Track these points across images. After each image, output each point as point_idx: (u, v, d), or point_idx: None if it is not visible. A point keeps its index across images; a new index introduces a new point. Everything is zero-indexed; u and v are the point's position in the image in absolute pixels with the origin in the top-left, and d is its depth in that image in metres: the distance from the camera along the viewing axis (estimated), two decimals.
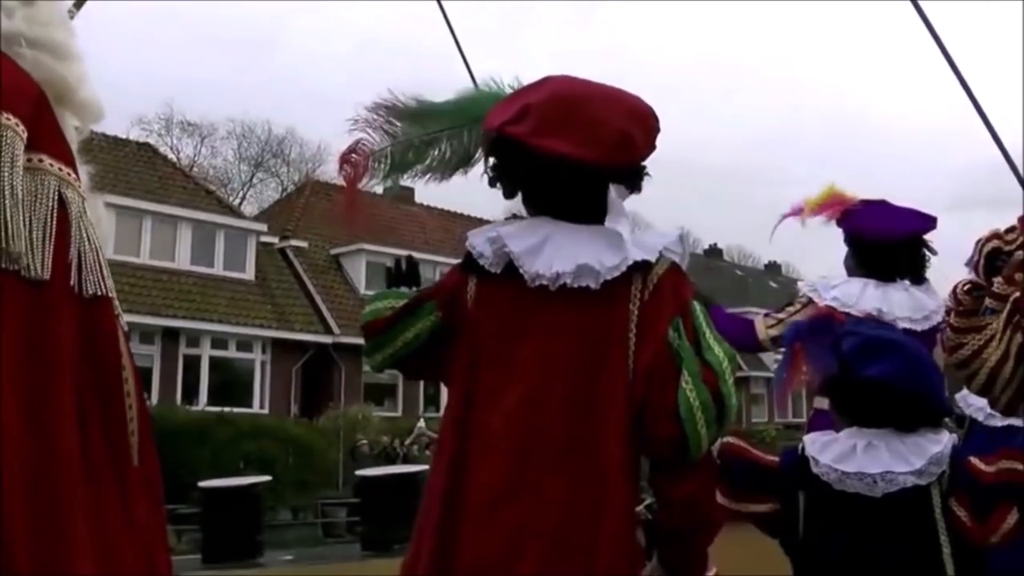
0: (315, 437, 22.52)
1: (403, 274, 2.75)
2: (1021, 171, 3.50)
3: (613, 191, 2.36)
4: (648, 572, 2.44)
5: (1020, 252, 2.42)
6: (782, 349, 4.10)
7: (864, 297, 3.84)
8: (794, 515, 2.73)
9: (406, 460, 20.41)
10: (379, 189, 33.38)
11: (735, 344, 4.26)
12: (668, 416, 2.21)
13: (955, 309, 2.50)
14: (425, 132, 2.58)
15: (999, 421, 3.46)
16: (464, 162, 2.59)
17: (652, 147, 2.43)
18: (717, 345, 2.29)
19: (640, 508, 2.36)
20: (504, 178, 2.46)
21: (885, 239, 4.02)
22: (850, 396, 2.77)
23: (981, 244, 2.57)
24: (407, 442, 22.47)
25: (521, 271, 2.32)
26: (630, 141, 2.33)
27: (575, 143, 2.28)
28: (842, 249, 4.21)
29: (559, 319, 2.31)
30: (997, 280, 2.40)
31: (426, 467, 4.53)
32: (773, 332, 4.09)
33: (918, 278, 4.03)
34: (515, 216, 2.45)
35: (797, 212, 4.34)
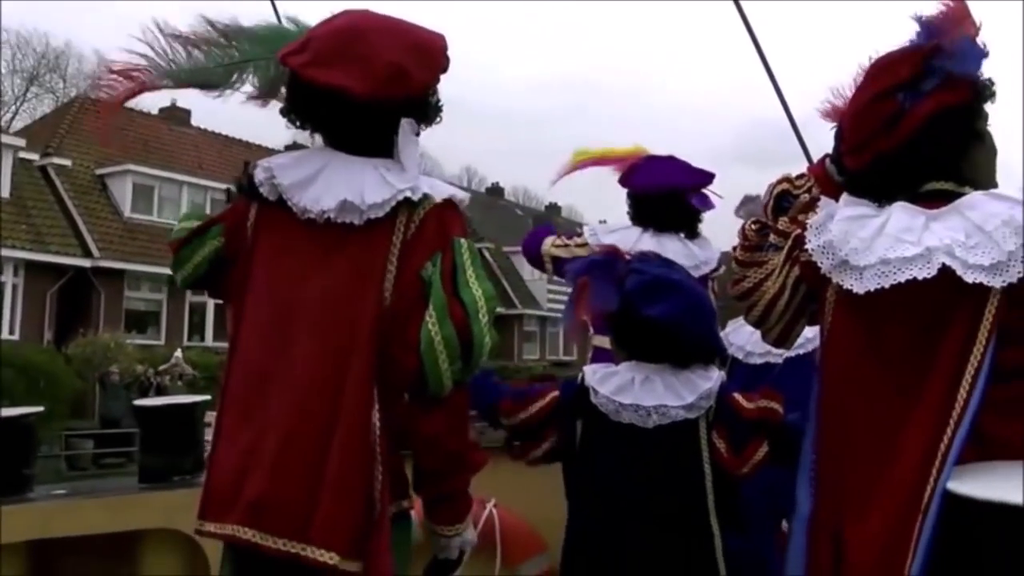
0: (58, 365, 21.41)
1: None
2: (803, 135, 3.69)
3: (405, 125, 2.36)
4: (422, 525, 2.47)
5: (806, 195, 2.55)
6: (556, 275, 4.31)
7: (639, 244, 3.99)
8: (572, 442, 2.81)
9: (159, 391, 19.77)
10: (154, 110, 31.82)
11: (525, 249, 4.46)
12: (409, 350, 2.21)
13: (741, 244, 2.61)
14: (229, 57, 2.50)
15: (757, 359, 3.67)
16: (271, 93, 2.52)
17: (433, 81, 2.42)
18: (477, 283, 2.29)
19: None
20: (293, 110, 2.45)
21: (648, 193, 4.24)
22: (631, 333, 2.86)
23: (772, 186, 2.70)
24: (160, 369, 21.82)
25: (290, 204, 2.32)
26: (402, 74, 2.32)
27: (346, 75, 2.28)
28: (622, 195, 4.40)
29: (322, 253, 2.31)
30: (783, 219, 2.53)
31: (207, 397, 4.40)
32: (555, 251, 4.29)
33: (693, 231, 4.27)
34: (296, 145, 2.42)
35: (584, 165, 4.51)
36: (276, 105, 2.51)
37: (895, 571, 1.93)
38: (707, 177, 4.24)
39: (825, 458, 2.23)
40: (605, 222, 4.49)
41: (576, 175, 4.56)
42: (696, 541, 2.71)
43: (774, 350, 3.45)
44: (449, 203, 2.35)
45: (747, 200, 3.77)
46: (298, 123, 2.44)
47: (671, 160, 4.31)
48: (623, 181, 4.33)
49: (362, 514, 2.19)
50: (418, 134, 2.42)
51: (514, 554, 3.54)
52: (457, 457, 2.35)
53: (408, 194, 2.29)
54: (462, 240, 2.33)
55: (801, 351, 3.39)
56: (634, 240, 4.06)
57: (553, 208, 52.17)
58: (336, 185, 2.30)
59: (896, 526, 1.97)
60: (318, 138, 2.47)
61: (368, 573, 2.18)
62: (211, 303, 27.14)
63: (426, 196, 2.31)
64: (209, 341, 27.54)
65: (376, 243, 2.29)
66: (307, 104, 2.40)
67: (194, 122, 33.17)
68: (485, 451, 2.52)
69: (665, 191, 4.18)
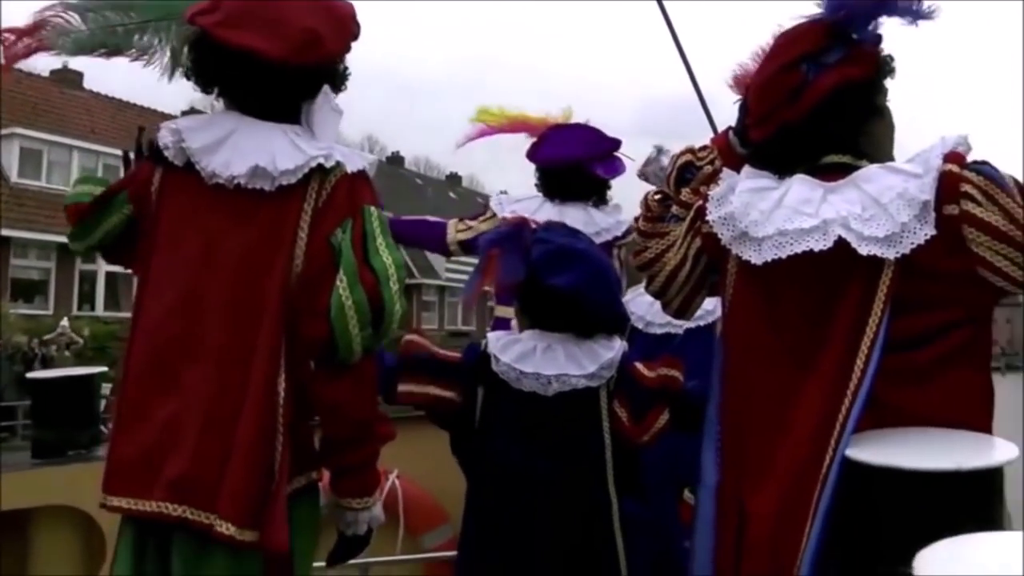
0: None
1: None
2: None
3: (326, 93, 2.36)
4: (327, 501, 2.45)
5: (709, 167, 2.57)
6: (469, 256, 4.27)
7: (540, 212, 4.00)
8: (471, 409, 2.81)
9: (44, 362, 19.16)
10: (45, 72, 30.44)
11: (425, 244, 4.40)
12: (319, 316, 2.21)
13: (644, 215, 2.62)
14: (129, 19, 2.42)
15: (658, 329, 3.71)
16: (172, 55, 2.45)
17: (345, 48, 2.41)
18: (387, 251, 2.29)
19: None
20: (198, 72, 2.40)
21: (552, 165, 4.24)
22: (535, 301, 2.86)
23: (676, 157, 2.72)
24: (45, 338, 21.14)
25: (198, 168, 2.28)
26: (316, 39, 2.31)
27: (259, 37, 2.25)
28: (526, 166, 4.40)
29: (231, 219, 2.28)
30: (685, 190, 2.55)
31: (104, 369, 4.29)
32: (462, 236, 4.29)
33: (601, 199, 4.27)
34: (193, 110, 2.36)
35: (489, 132, 4.48)
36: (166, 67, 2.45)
37: (792, 539, 1.97)
38: (613, 144, 4.24)
39: (728, 428, 2.27)
40: (506, 192, 4.48)
41: (482, 141, 4.53)
42: (594, 510, 2.73)
43: (675, 320, 3.48)
44: (361, 172, 2.34)
45: (650, 160, 3.81)
46: (203, 85, 2.39)
47: (578, 129, 4.31)
48: (530, 154, 4.31)
49: (262, 485, 2.18)
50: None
51: (417, 525, 3.55)
52: (365, 426, 2.35)
53: (321, 161, 2.27)
54: (372, 208, 2.33)
55: (702, 322, 3.42)
56: (535, 209, 4.07)
57: (454, 178, 52.03)
58: (246, 150, 2.26)
59: (792, 494, 2.02)
60: (219, 103, 2.41)
61: (264, 543, 2.17)
62: (102, 271, 26.41)
63: (339, 164, 2.30)
64: (100, 310, 26.82)
65: (287, 210, 2.26)
66: (216, 66, 2.36)
67: (86, 85, 32.06)
68: (392, 422, 2.50)
69: (569, 163, 4.18)
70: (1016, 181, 1.99)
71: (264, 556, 2.19)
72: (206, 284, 2.25)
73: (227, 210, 2.27)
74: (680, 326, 3.55)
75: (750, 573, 2.11)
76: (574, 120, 4.39)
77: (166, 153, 2.32)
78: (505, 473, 2.74)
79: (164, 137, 2.33)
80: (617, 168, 4.24)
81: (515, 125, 4.44)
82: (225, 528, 2.13)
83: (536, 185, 4.32)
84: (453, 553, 3.48)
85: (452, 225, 4.35)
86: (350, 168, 2.31)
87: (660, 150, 3.77)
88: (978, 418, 2.05)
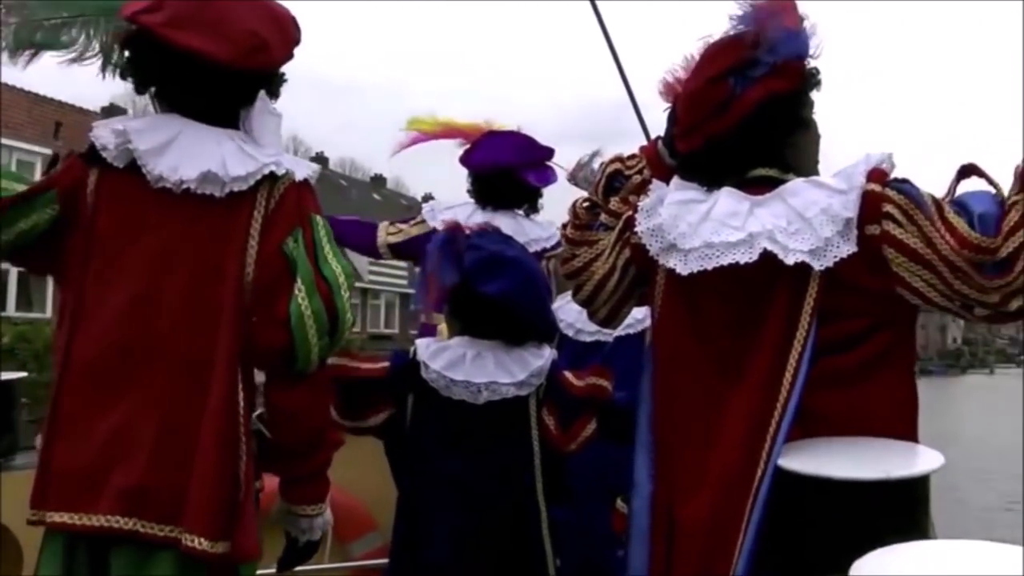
0: None
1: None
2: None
3: (264, 98, 2.34)
4: (277, 507, 2.43)
5: (638, 176, 2.59)
6: (398, 259, 4.34)
7: (472, 220, 3.99)
8: (402, 416, 2.79)
9: None
10: None
11: (355, 245, 4.37)
12: (278, 325, 2.20)
13: (572, 222, 2.62)
14: (58, 14, 2.35)
15: (587, 337, 3.72)
16: (106, 52, 2.39)
17: (288, 55, 2.39)
18: (335, 260, 2.30)
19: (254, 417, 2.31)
20: (136, 71, 2.35)
21: (484, 171, 4.23)
22: (466, 308, 2.86)
23: (605, 166, 2.72)
24: None
25: (144, 171, 2.22)
26: (262, 44, 2.29)
27: (205, 39, 2.22)
28: (453, 168, 4.39)
29: (180, 224, 2.23)
30: (614, 199, 2.55)
31: (24, 374, 4.14)
32: (392, 239, 4.27)
33: (533, 207, 4.27)
34: (113, 107, 2.31)
35: (423, 138, 4.45)
36: (93, 64, 2.40)
37: (724, 549, 1.99)
38: (545, 152, 4.23)
39: (659, 438, 2.28)
40: (431, 196, 4.45)
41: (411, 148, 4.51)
42: (523, 517, 2.73)
43: (604, 328, 3.51)
44: (305, 181, 2.33)
45: (582, 165, 3.82)
46: (139, 85, 2.34)
47: (511, 136, 4.29)
48: (463, 159, 4.30)
49: (230, 494, 2.16)
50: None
51: (345, 533, 3.52)
52: (320, 434, 2.36)
53: (273, 168, 2.25)
54: (318, 217, 2.32)
55: (632, 330, 3.44)
56: (467, 216, 4.05)
57: (378, 179, 51.72)
58: (194, 154, 2.22)
59: (724, 504, 2.04)
60: (143, 101, 2.36)
61: (236, 553, 2.16)
62: (14, 271, 25.66)
63: (287, 172, 2.28)
64: (11, 311, 26.11)
65: (237, 216, 2.23)
66: (156, 66, 2.30)
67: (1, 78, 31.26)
68: (341, 429, 2.53)
69: (501, 169, 4.17)
70: (935, 200, 2.02)
71: (210, 566, 2.15)
72: (157, 290, 2.20)
73: (176, 215, 2.22)
74: (610, 334, 3.56)
75: None
76: (505, 127, 4.38)
77: (105, 154, 2.24)
78: (435, 480, 2.73)
79: (104, 137, 2.25)
80: (549, 177, 4.23)
81: (448, 131, 4.43)
82: (196, 542, 2.10)
83: (468, 191, 4.31)
84: (382, 561, 3.47)
85: (383, 228, 4.34)
86: (298, 176, 2.30)
87: (595, 155, 3.79)
88: (903, 422, 2.10)
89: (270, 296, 2.21)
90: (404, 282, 47.89)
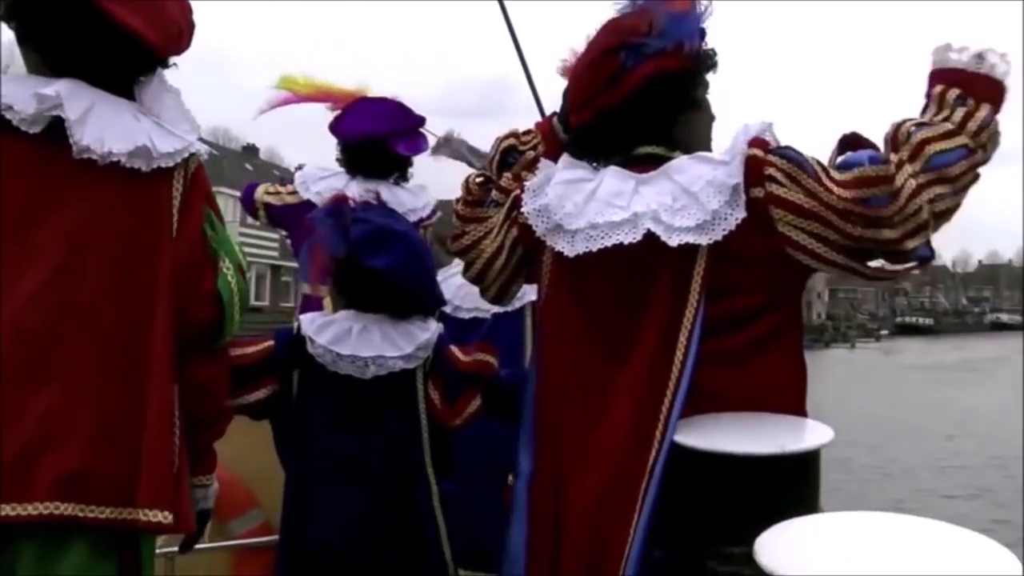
0: None
1: None
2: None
3: (164, 77, 2.30)
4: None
5: (531, 152, 2.56)
6: (267, 222, 4.30)
7: (348, 190, 3.92)
8: (287, 393, 2.75)
9: None
10: None
11: (242, 197, 4.30)
12: (208, 301, 2.22)
13: (464, 198, 2.59)
14: None
15: (465, 314, 3.70)
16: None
17: (187, 47, 2.35)
18: (230, 239, 2.34)
19: None
20: (39, 27, 2.19)
21: (353, 140, 4.17)
22: (353, 282, 2.81)
23: (499, 141, 2.70)
24: None
25: (71, 141, 2.09)
26: (180, 34, 2.28)
27: (146, 23, 2.16)
28: (327, 139, 4.32)
29: (102, 198, 2.13)
30: (506, 175, 2.53)
31: None
32: (267, 199, 4.24)
33: (403, 177, 4.23)
34: None
35: (293, 100, 4.33)
36: None
37: (617, 529, 1.99)
38: (417, 121, 4.17)
39: (543, 418, 2.27)
40: (303, 166, 4.35)
41: (283, 112, 4.37)
42: (412, 491, 2.72)
43: (482, 304, 3.47)
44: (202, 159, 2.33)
45: (443, 141, 3.77)
46: (34, 45, 2.20)
47: (383, 103, 4.22)
48: (332, 127, 4.22)
49: (174, 469, 2.17)
50: None
51: (224, 510, 3.43)
52: (224, 405, 2.41)
53: (194, 148, 2.25)
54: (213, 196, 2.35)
55: (510, 307, 3.44)
56: (342, 187, 3.97)
57: (251, 149, 50.81)
58: (115, 126, 2.14)
59: (615, 484, 2.04)
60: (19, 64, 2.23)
61: (178, 524, 2.16)
62: None
63: (198, 150, 2.28)
64: None
65: (160, 193, 2.20)
66: (76, 31, 2.16)
67: None
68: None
69: (371, 138, 4.11)
70: (819, 162, 2.05)
71: (120, 551, 2.13)
72: (79, 266, 2.10)
73: (99, 189, 2.13)
74: (488, 311, 3.56)
75: (571, 563, 2.12)
76: (376, 94, 4.31)
77: (9, 115, 2.09)
78: (323, 457, 2.70)
79: (20, 101, 2.10)
80: (420, 146, 4.16)
81: (319, 95, 4.31)
82: (163, 517, 2.09)
83: (337, 159, 4.25)
84: (264, 539, 3.40)
85: (263, 187, 4.30)
86: (204, 156, 2.31)
87: (451, 134, 3.75)
88: (793, 398, 2.13)
89: (198, 273, 2.22)
90: (275, 253, 47.33)
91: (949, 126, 2.03)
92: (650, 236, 2.07)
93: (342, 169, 4.18)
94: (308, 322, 2.77)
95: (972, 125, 2.04)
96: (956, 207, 2.06)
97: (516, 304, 3.28)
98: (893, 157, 2.00)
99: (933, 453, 19.76)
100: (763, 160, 2.05)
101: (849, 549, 1.36)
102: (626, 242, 2.08)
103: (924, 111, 2.11)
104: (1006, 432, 21.61)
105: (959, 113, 2.05)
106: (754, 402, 2.05)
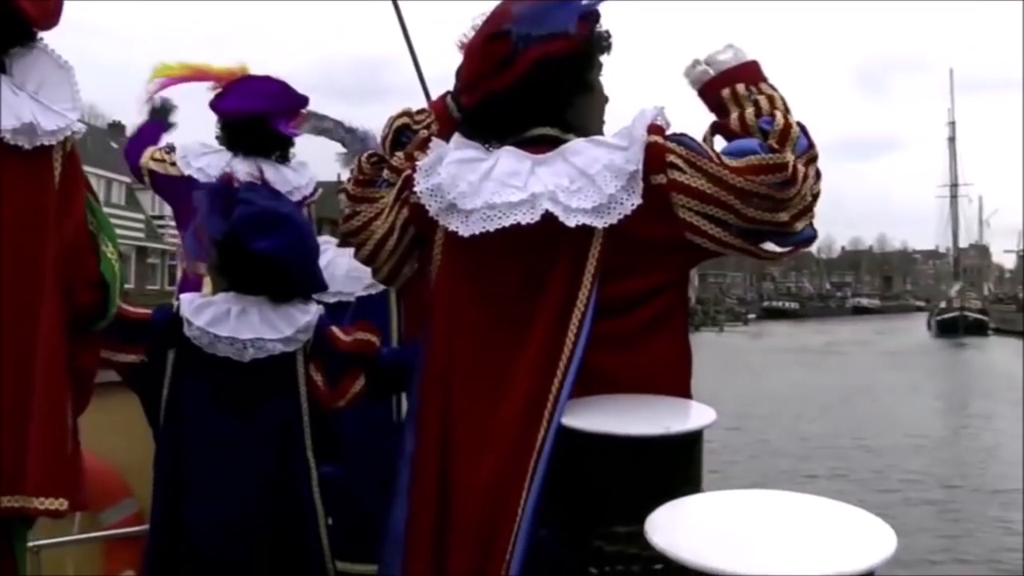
0: None
1: None
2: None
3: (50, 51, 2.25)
4: None
5: (425, 132, 2.54)
6: (152, 188, 4.25)
7: (234, 172, 3.84)
8: (162, 372, 2.68)
9: None
10: None
11: (125, 153, 4.21)
12: (91, 284, 2.21)
13: (355, 178, 2.54)
14: None
15: (330, 298, 3.67)
16: None
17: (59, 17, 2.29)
18: (107, 220, 2.33)
19: None
20: None
21: (233, 116, 4.11)
22: (235, 264, 2.76)
23: (392, 119, 2.66)
24: None
25: None
26: (58, 10, 2.23)
27: (31, 2, 2.11)
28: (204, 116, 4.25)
29: None
30: (398, 155, 2.50)
31: None
32: (152, 165, 4.16)
33: (284, 156, 4.18)
34: None
35: (172, 82, 4.30)
36: None
37: (507, 509, 2.00)
38: (298, 100, 4.08)
39: (431, 398, 2.25)
40: (172, 146, 4.25)
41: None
42: (291, 477, 2.69)
43: (345, 288, 3.54)
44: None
45: (307, 116, 3.71)
46: None
47: (264, 82, 4.16)
48: (213, 104, 4.15)
49: (66, 453, 2.16)
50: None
51: (97, 500, 3.33)
52: (92, 382, 2.38)
53: (75, 127, 2.21)
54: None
55: (373, 291, 3.49)
56: (223, 164, 3.93)
57: (117, 127, 49.19)
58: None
59: (507, 466, 2.04)
60: None
61: (76, 506, 2.17)
62: None
63: (78, 129, 2.24)
64: None
65: (42, 172, 2.15)
66: None
67: None
68: None
69: (250, 117, 4.05)
70: (712, 148, 2.10)
71: None
72: None
73: None
74: (351, 294, 3.56)
75: (460, 544, 2.11)
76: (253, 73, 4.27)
77: None
78: (198, 441, 2.65)
79: None
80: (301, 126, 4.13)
81: (199, 74, 4.27)
82: (59, 504, 2.10)
83: (217, 137, 4.18)
84: (135, 529, 3.31)
85: (150, 151, 4.20)
86: (80, 135, 2.27)
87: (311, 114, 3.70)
88: (679, 380, 2.17)
89: (81, 256, 2.19)
90: (141, 234, 46.05)
91: (779, 114, 2.14)
92: (548, 217, 2.07)
93: (222, 148, 4.12)
94: (186, 303, 2.72)
95: (781, 105, 2.17)
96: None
97: (380, 287, 3.28)
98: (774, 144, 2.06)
99: (797, 435, 20.42)
100: (664, 147, 2.07)
101: (740, 525, 1.40)
102: (524, 222, 2.08)
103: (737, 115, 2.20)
104: (867, 414, 22.56)
105: (765, 101, 2.18)
106: (645, 383, 2.08)
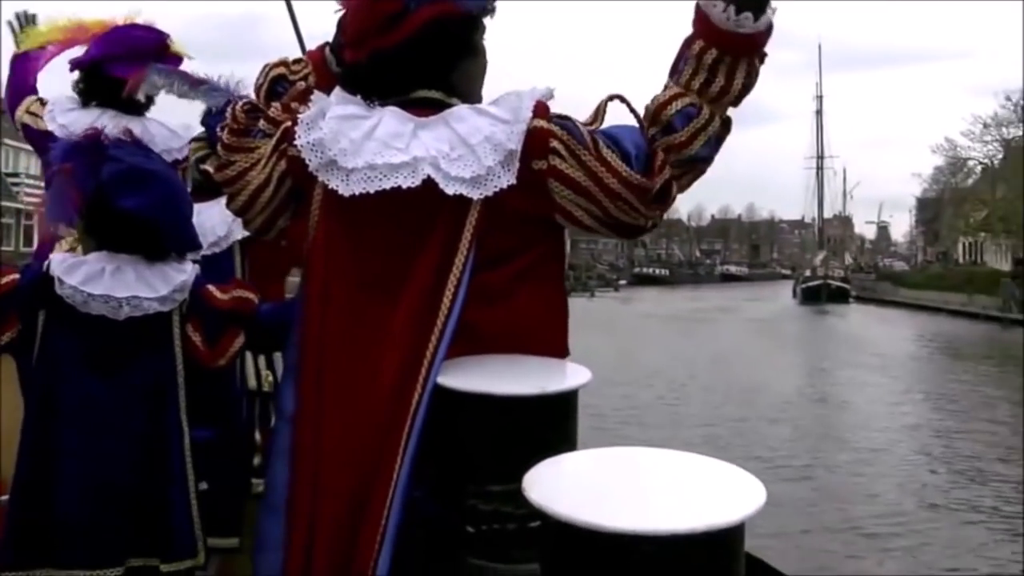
0: None
1: None
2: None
3: None
4: None
5: (302, 83, 2.49)
6: (27, 141, 4.01)
7: (100, 123, 3.70)
8: (32, 333, 2.62)
9: None
10: None
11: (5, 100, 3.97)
12: None
13: (229, 127, 2.46)
14: None
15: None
16: None
17: None
18: None
19: None
20: None
21: (73, 66, 3.97)
22: (104, 223, 2.69)
23: (268, 68, 2.60)
24: None
25: None
26: None
27: None
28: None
29: None
30: (275, 105, 2.45)
31: None
32: (26, 119, 3.96)
33: (145, 107, 4.00)
34: None
35: (58, 51, 4.05)
36: None
37: (383, 468, 2.01)
38: (140, 44, 3.82)
39: (309, 357, 2.24)
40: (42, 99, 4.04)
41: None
42: (164, 438, 2.65)
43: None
44: None
45: (146, 73, 3.58)
46: None
47: (119, 29, 3.92)
48: (74, 61, 3.96)
49: None
50: None
51: None
52: None
53: None
54: None
55: (217, 249, 3.45)
56: (90, 121, 3.73)
57: None
58: None
59: (382, 424, 2.05)
60: None
61: None
62: None
63: None
64: None
65: None
66: None
67: None
68: None
69: (89, 63, 3.88)
70: (592, 136, 2.10)
71: None
72: None
73: None
74: (196, 254, 3.48)
75: (332, 503, 2.11)
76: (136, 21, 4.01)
77: None
78: (67, 402, 2.59)
79: None
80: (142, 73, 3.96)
81: (79, 35, 3.99)
82: None
83: (76, 89, 3.97)
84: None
85: (27, 102, 3.98)
86: None
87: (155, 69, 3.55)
88: (555, 335, 2.21)
89: None
90: None
91: (707, 110, 2.11)
92: (428, 182, 2.07)
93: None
94: (57, 262, 2.65)
95: (729, 98, 2.13)
96: (702, 172, 2.19)
97: (223, 245, 3.29)
98: (655, 132, 2.10)
99: (666, 399, 20.86)
100: (548, 132, 2.08)
101: (616, 481, 1.44)
102: (405, 186, 2.08)
103: (680, 73, 2.14)
104: (732, 380, 23.17)
105: (719, 83, 2.10)
106: (519, 340, 2.11)
